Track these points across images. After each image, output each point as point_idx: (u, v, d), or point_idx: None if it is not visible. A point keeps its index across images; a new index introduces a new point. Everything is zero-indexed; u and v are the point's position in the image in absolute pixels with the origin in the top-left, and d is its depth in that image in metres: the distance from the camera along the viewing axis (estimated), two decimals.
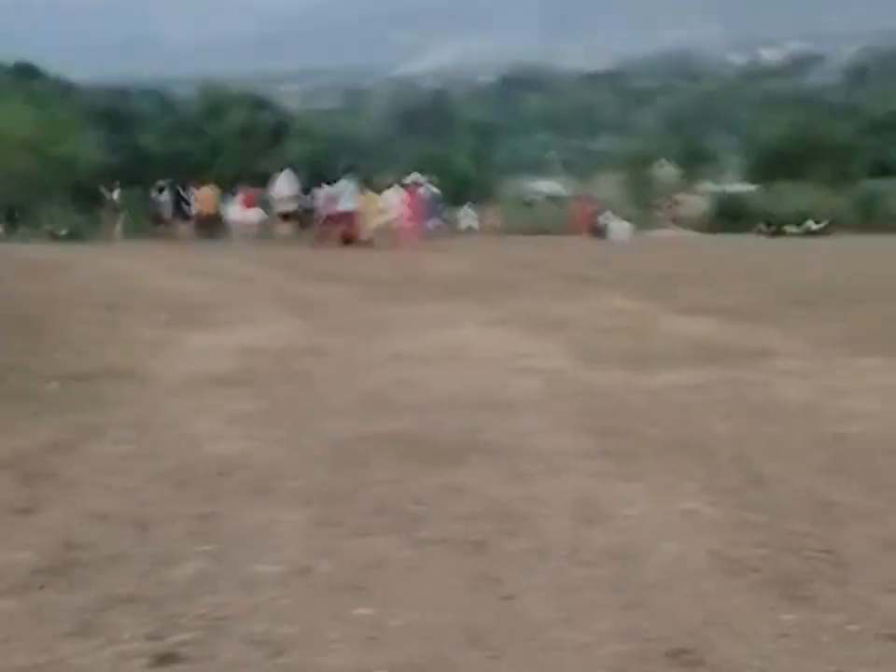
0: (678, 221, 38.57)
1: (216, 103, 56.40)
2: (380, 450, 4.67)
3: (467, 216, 37.88)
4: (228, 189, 29.16)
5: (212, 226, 28.09)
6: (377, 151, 59.61)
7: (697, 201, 51.42)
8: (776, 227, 36.80)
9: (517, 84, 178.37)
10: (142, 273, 14.90)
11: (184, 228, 27.33)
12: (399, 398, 5.86)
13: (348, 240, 23.45)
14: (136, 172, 34.78)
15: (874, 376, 6.34)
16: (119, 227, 28.16)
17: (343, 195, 23.54)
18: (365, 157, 47.36)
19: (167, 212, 27.44)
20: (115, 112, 52.21)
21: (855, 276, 14.79)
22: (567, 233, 33.68)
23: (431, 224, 24.53)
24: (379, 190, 24.92)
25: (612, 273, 15.57)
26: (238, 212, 27.54)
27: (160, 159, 42.92)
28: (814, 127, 60.43)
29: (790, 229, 36.66)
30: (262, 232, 26.72)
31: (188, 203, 27.56)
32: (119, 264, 16.22)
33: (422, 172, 26.90)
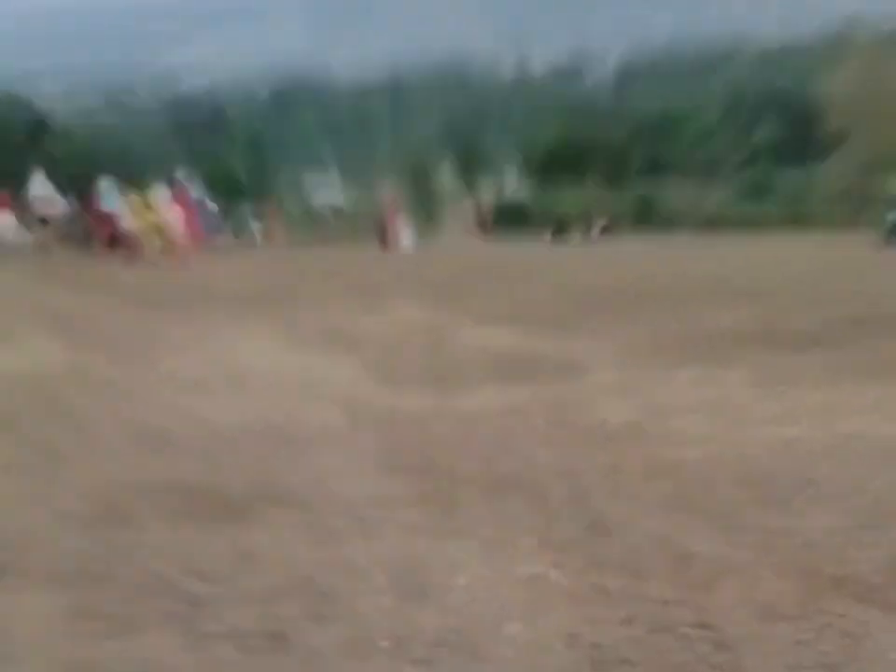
0: (484, 226, 38.83)
1: None
2: (151, 504, 3.88)
3: (248, 224, 36.88)
4: None
5: None
6: (144, 150, 57.72)
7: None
8: (560, 233, 37.42)
9: (291, 91, 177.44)
10: None
11: None
12: (176, 433, 5.06)
13: (113, 244, 21.86)
14: None
15: (695, 390, 6.01)
16: None
17: (105, 196, 21.89)
18: (131, 156, 45.94)
19: None
20: None
21: (645, 278, 14.85)
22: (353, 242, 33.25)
23: (206, 229, 23.32)
24: (144, 191, 23.52)
25: (405, 282, 15.05)
26: None
27: None
28: (587, 129, 62.36)
29: (573, 238, 37.36)
30: (19, 238, 24.86)
31: None
32: None
33: (190, 173, 25.68)
